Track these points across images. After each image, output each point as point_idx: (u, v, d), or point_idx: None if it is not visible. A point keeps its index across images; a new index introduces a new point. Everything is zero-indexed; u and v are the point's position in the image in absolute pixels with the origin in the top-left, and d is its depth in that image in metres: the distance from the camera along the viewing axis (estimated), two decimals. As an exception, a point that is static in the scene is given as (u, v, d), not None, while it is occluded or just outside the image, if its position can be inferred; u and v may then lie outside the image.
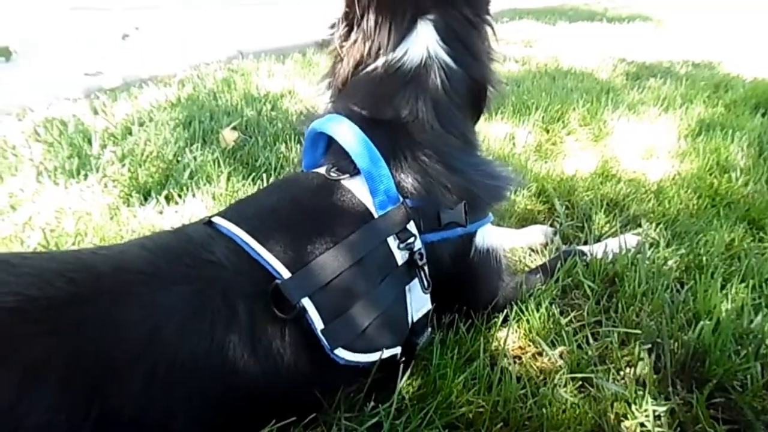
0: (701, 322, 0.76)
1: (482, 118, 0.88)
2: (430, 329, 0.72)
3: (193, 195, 1.14)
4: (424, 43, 0.75)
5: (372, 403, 0.62)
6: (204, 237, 0.57)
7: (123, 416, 0.45)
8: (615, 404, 0.65)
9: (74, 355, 0.44)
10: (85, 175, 1.22)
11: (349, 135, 0.67)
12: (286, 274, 0.55)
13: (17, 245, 0.94)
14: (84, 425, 0.43)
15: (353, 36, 0.78)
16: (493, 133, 1.61)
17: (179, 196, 1.14)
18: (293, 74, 2.36)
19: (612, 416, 0.63)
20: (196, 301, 0.52)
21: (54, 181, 1.18)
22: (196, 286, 0.52)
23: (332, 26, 0.81)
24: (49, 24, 3.90)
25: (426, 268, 0.65)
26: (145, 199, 1.13)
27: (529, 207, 1.21)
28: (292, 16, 4.20)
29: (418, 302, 0.67)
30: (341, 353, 0.57)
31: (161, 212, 1.08)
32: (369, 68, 0.76)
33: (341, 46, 0.80)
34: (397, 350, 0.64)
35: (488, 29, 0.81)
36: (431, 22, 0.75)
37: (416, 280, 0.65)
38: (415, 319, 0.67)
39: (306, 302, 0.55)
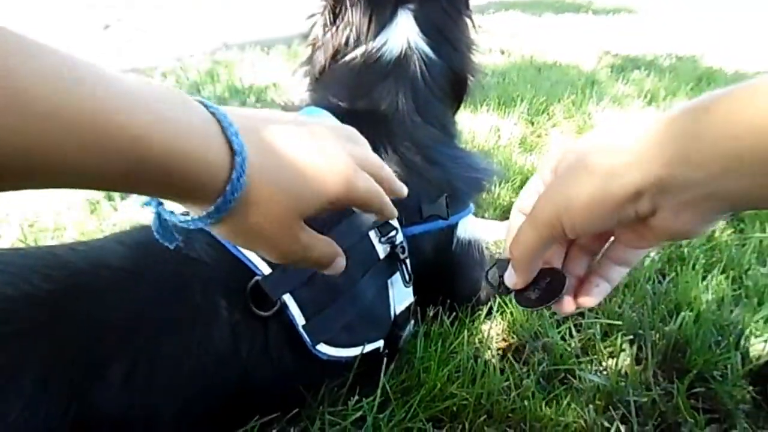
0: (682, 314, 0.77)
1: (464, 108, 0.87)
2: (413, 322, 0.72)
3: (176, 188, 1.12)
4: (404, 33, 0.74)
5: (356, 398, 0.62)
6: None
7: (104, 413, 0.45)
8: (597, 396, 0.66)
9: (51, 353, 0.43)
10: (65, 169, 1.19)
11: None
12: (266, 270, 0.55)
13: (-6, 241, 0.92)
14: (63, 423, 0.42)
15: (336, 24, 0.77)
16: (478, 126, 1.61)
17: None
18: (278, 66, 2.34)
19: (594, 408, 0.64)
20: (176, 298, 0.51)
21: (32, 175, 1.16)
22: (175, 282, 0.52)
23: (311, 16, 0.80)
24: (29, 12, 3.82)
25: (408, 261, 0.65)
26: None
27: (513, 199, 1.21)
28: (277, 7, 4.16)
29: (401, 296, 0.66)
30: (323, 348, 0.57)
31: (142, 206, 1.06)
32: (347, 57, 0.75)
33: (324, 34, 0.79)
34: (380, 344, 0.64)
35: (468, 21, 0.81)
36: (411, 12, 0.75)
37: (398, 274, 0.65)
38: (397, 313, 0.67)
39: (287, 298, 0.55)
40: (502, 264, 0.43)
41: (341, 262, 0.45)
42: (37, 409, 0.41)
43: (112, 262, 0.51)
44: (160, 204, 0.36)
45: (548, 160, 0.41)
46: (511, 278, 0.42)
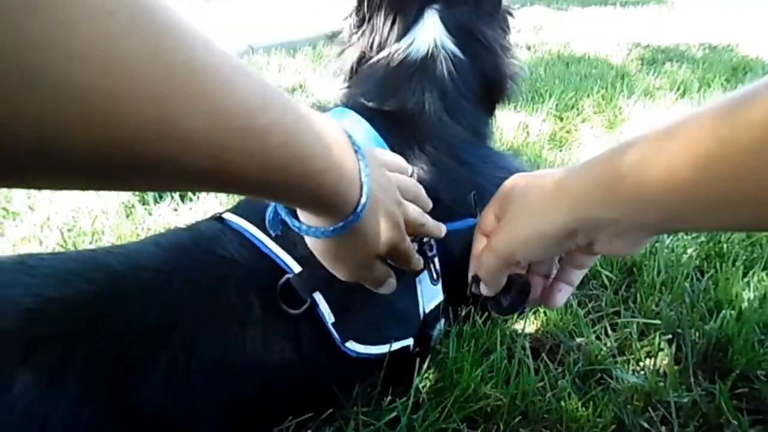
0: (723, 312, 0.75)
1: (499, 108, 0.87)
2: (443, 321, 0.72)
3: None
4: (430, 33, 0.74)
5: (389, 398, 0.62)
6: (216, 233, 0.58)
7: (145, 412, 0.46)
8: (635, 396, 0.65)
9: (94, 353, 0.45)
10: (101, 174, 1.22)
11: (355, 127, 0.67)
12: (296, 268, 0.55)
13: (36, 245, 0.95)
14: (107, 421, 0.44)
15: (362, 28, 0.78)
16: (506, 123, 1.59)
17: (193, 192, 1.14)
18: (304, 68, 2.35)
19: (632, 408, 0.62)
20: (211, 297, 0.52)
21: (70, 181, 1.19)
22: (210, 282, 0.53)
23: (346, 18, 0.81)
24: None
25: (436, 259, 0.65)
26: (160, 197, 1.13)
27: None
28: (302, 9, 4.19)
29: (429, 294, 0.66)
30: (352, 346, 0.57)
31: (176, 209, 1.08)
32: (374, 59, 0.76)
33: (350, 36, 0.80)
34: (410, 342, 0.64)
35: (503, 21, 0.80)
36: (437, 12, 0.75)
37: (426, 272, 0.64)
38: (426, 311, 0.66)
39: (317, 296, 0.55)
40: (476, 278, 0.51)
41: (393, 282, 0.53)
42: (81, 408, 0.42)
43: (149, 264, 0.52)
44: None
45: (500, 191, 0.49)
46: (483, 289, 0.50)
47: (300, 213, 0.43)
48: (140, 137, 0.24)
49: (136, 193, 1.14)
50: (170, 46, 0.24)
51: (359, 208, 0.40)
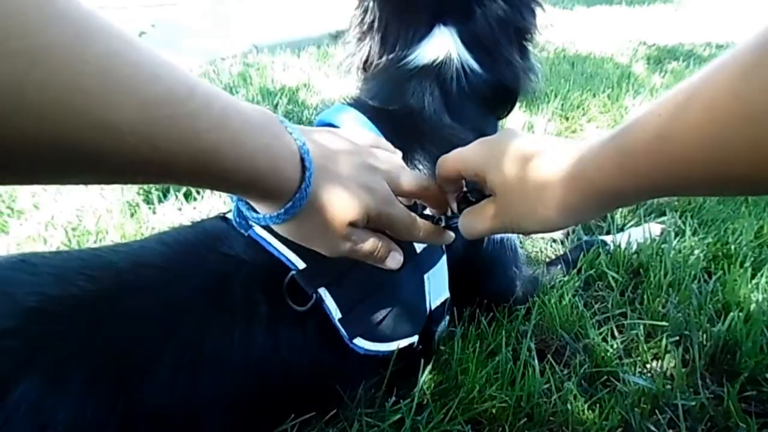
0: (731, 314, 0.74)
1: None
2: (448, 319, 0.71)
3: (212, 191, 1.14)
4: (438, 40, 0.74)
5: (393, 399, 0.61)
6: (221, 231, 0.57)
7: (149, 411, 0.46)
8: (642, 399, 0.64)
9: (98, 352, 0.45)
10: (105, 173, 1.22)
11: (355, 124, 0.66)
12: (301, 265, 0.55)
13: (40, 244, 0.95)
14: (111, 420, 0.43)
15: (368, 34, 0.78)
16: (512, 123, 1.58)
17: (198, 192, 1.14)
18: (309, 67, 2.35)
19: (639, 411, 0.62)
20: (216, 294, 0.52)
21: (75, 180, 1.20)
22: (215, 280, 0.52)
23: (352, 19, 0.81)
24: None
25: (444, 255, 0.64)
26: (165, 196, 1.13)
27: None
28: (307, 8, 4.19)
29: (437, 290, 0.66)
30: (360, 343, 0.57)
31: (180, 209, 1.08)
32: (380, 62, 0.76)
33: (357, 40, 0.80)
34: (415, 338, 0.64)
35: (523, 20, 0.80)
36: (452, 27, 0.74)
37: (434, 268, 0.64)
38: (433, 307, 0.66)
39: (323, 292, 0.55)
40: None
41: (396, 257, 0.52)
42: (85, 407, 0.42)
43: (154, 262, 0.52)
44: (241, 199, 0.45)
45: (485, 149, 0.49)
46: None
47: (256, 205, 0.44)
48: (70, 128, 0.25)
49: (141, 192, 1.14)
50: (86, 36, 0.25)
51: (305, 182, 0.40)
